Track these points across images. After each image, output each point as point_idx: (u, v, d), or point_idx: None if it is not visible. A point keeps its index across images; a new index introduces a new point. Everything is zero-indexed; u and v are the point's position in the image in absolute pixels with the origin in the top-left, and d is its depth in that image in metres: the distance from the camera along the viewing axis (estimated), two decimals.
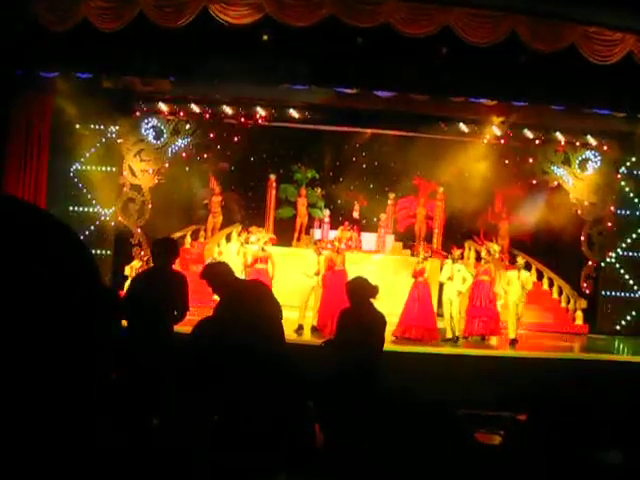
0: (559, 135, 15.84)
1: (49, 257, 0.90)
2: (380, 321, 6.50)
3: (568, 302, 15.67)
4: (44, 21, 12.36)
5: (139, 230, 15.65)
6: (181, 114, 15.67)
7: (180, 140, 15.88)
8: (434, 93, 14.02)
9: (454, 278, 12.72)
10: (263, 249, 13.18)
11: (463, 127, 15.72)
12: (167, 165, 15.86)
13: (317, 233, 17.30)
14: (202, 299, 14.90)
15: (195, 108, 15.52)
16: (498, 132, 15.71)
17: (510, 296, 12.99)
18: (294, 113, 15.48)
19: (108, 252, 15.44)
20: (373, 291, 6.71)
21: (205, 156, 16.71)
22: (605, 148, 15.86)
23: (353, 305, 6.56)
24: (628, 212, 16.03)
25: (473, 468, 2.58)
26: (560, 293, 15.94)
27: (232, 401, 2.12)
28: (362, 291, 6.59)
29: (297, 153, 18.65)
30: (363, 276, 7.13)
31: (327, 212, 17.74)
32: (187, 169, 16.65)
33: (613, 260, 16.01)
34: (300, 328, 12.50)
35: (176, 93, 15.23)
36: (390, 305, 14.90)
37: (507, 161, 16.47)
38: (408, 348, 11.61)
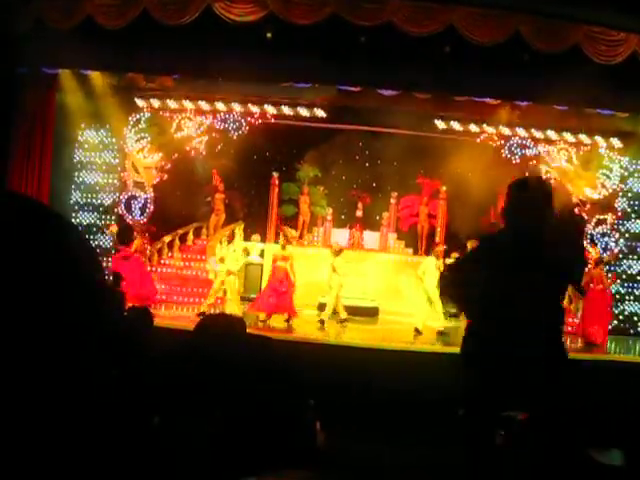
0: (563, 134, 15.81)
1: (48, 253, 0.91)
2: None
3: (570, 302, 15.63)
4: (48, 19, 12.37)
5: (142, 226, 15.66)
6: (184, 111, 15.65)
7: (183, 137, 15.86)
8: (437, 92, 14.02)
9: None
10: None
11: (466, 126, 15.70)
12: (170, 162, 15.87)
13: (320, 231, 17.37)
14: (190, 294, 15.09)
15: (198, 105, 15.50)
16: (502, 130, 15.69)
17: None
18: (297, 111, 15.46)
19: (110, 242, 15.51)
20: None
21: (208, 153, 16.71)
22: (608, 147, 15.83)
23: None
24: (630, 209, 16.06)
25: (474, 467, 2.60)
26: None
27: (235, 399, 2.13)
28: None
29: (300, 151, 18.64)
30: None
31: (330, 210, 17.74)
32: (190, 166, 16.65)
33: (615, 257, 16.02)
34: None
35: (179, 90, 15.24)
36: (397, 304, 14.96)
37: (511, 159, 16.44)
38: (406, 347, 11.57)
